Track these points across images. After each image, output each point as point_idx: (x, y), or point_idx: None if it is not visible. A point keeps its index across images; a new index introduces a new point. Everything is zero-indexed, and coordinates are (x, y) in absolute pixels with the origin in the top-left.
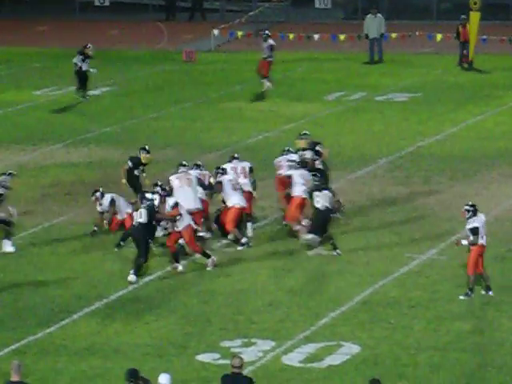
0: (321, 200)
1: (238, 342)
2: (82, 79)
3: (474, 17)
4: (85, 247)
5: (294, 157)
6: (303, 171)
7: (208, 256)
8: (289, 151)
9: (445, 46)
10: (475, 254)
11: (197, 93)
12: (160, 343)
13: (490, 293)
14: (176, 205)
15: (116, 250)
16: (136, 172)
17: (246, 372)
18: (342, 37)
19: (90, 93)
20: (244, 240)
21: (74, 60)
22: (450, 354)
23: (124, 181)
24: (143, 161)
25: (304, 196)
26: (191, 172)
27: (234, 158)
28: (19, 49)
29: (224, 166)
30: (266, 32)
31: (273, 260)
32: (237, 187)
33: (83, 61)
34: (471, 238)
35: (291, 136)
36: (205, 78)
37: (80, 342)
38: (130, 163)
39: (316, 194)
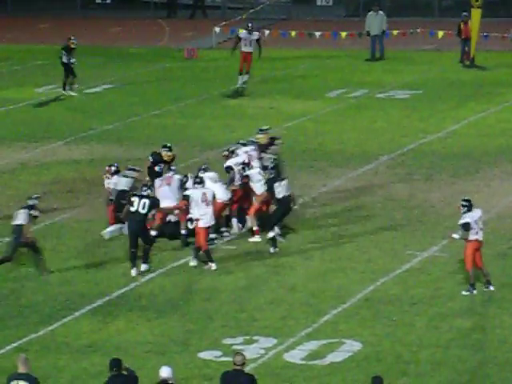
0: (281, 190)
1: (240, 340)
2: (66, 71)
3: (476, 14)
4: (86, 244)
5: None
6: (259, 169)
7: (211, 260)
8: (244, 144)
9: (446, 43)
10: (470, 249)
11: (198, 90)
12: (162, 341)
13: (491, 287)
14: (185, 198)
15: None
16: (157, 168)
17: (247, 369)
18: (343, 34)
19: (91, 90)
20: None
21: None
22: (451, 351)
23: (147, 178)
24: (165, 158)
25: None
26: (177, 175)
27: (233, 152)
28: (21, 46)
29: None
30: (250, 24)
31: (274, 257)
32: (217, 180)
33: (65, 54)
34: (462, 232)
35: (293, 133)
36: (206, 75)
37: (82, 340)
38: (150, 158)
39: (276, 185)
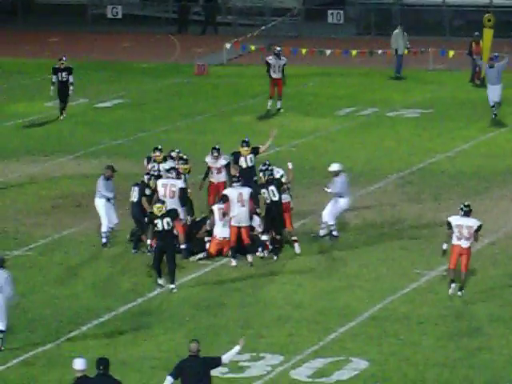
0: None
1: (247, 356)
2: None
3: (488, 34)
4: (94, 259)
5: None
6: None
7: (233, 256)
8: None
9: (457, 62)
10: (453, 252)
11: (208, 106)
12: (168, 356)
13: (459, 293)
14: (224, 197)
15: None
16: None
17: None
18: (353, 52)
19: (100, 105)
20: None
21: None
22: (458, 371)
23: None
24: (156, 159)
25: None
26: (178, 182)
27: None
28: (31, 60)
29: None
30: (279, 49)
31: (282, 274)
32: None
33: (55, 74)
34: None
35: (302, 151)
36: (216, 91)
37: (88, 355)
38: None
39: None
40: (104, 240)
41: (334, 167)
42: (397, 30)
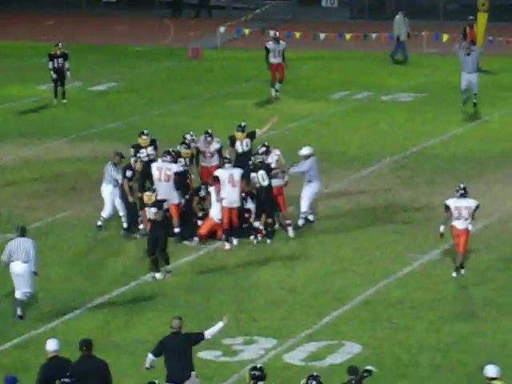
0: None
1: (240, 340)
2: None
3: (482, 18)
4: (88, 242)
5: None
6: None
7: (227, 240)
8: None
9: (451, 46)
10: (454, 235)
11: (202, 90)
12: None
13: (454, 274)
14: (215, 178)
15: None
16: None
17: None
18: (348, 36)
19: (94, 88)
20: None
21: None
22: (451, 355)
23: (131, 199)
24: (141, 143)
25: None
26: (173, 166)
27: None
28: (26, 43)
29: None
30: (277, 34)
31: (275, 258)
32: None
33: (51, 61)
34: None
35: (296, 134)
36: (210, 75)
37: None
38: (126, 174)
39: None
40: (99, 223)
41: (305, 151)
42: (398, 16)
